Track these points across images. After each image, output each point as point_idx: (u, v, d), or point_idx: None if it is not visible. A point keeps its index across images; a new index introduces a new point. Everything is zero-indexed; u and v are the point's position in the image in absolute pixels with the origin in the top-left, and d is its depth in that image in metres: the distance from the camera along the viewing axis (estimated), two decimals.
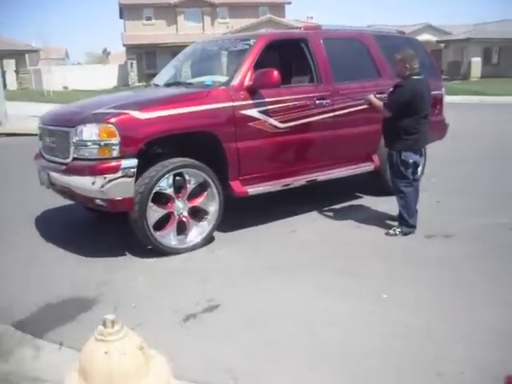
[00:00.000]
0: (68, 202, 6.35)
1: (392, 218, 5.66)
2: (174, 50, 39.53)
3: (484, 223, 5.52)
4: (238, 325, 3.60)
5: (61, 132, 5.05)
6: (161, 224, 4.93)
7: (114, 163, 4.57)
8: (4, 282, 4.48)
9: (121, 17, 44.87)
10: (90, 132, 4.65)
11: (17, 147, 12.05)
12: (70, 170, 4.80)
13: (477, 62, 35.96)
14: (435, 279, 4.21)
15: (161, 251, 4.92)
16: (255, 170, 5.47)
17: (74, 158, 4.79)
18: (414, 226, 5.28)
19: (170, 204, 4.95)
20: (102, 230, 5.98)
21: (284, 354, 3.19)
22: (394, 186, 5.34)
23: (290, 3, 44.93)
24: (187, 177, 4.98)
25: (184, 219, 5.03)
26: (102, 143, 4.58)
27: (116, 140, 4.55)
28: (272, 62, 5.90)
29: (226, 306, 3.90)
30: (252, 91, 5.30)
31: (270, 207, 6.24)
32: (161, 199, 4.90)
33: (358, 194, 6.86)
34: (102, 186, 4.55)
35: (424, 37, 36.65)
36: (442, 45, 38.47)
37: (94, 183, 4.57)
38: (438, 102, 6.73)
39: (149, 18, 42.24)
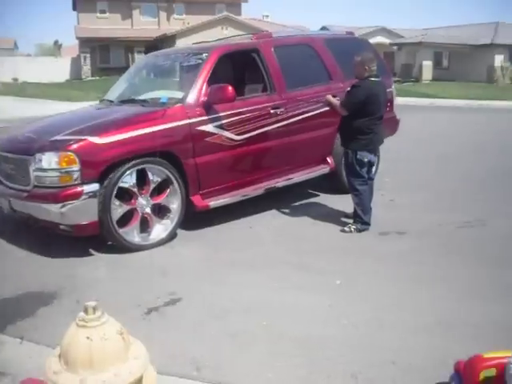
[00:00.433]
0: None
1: (347, 216, 5.83)
2: (128, 44, 39.17)
3: (435, 220, 5.75)
4: (200, 318, 3.69)
5: (19, 160, 5.02)
6: (124, 221, 4.95)
7: (75, 189, 4.62)
8: None
9: (74, 8, 43.84)
10: (49, 160, 4.67)
11: None
12: (32, 198, 4.80)
13: (428, 65, 36.90)
14: (389, 273, 4.40)
15: (124, 247, 4.95)
16: (215, 184, 5.54)
17: (35, 186, 4.78)
18: (368, 223, 5.46)
19: (133, 200, 4.97)
20: None
21: (246, 345, 3.30)
22: (350, 184, 5.52)
23: (246, 1, 45.03)
24: (150, 173, 5.01)
25: (147, 216, 5.07)
26: (63, 171, 4.62)
27: (76, 167, 4.59)
28: (225, 74, 6.02)
29: (188, 299, 3.98)
30: (207, 107, 5.38)
31: (229, 206, 6.32)
32: (124, 196, 4.92)
33: (314, 192, 7.02)
34: (66, 213, 4.61)
35: (378, 39, 37.42)
36: (395, 47, 39.29)
37: (57, 210, 4.61)
38: (388, 99, 6.93)
39: (103, 11, 41.46)
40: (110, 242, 5.01)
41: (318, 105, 6.03)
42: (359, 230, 5.41)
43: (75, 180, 4.61)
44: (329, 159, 6.60)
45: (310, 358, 3.13)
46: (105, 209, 4.74)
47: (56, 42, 60.93)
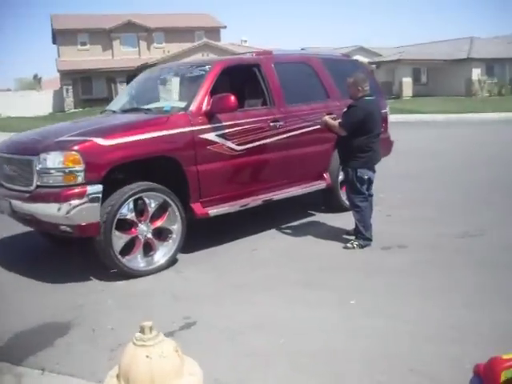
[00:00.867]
0: (21, 230, 6.37)
1: (347, 233, 5.95)
2: (109, 75, 39.40)
3: (434, 233, 5.89)
4: (216, 340, 3.73)
5: (22, 160, 5.07)
6: (127, 248, 5.01)
7: (79, 189, 4.63)
8: None
9: (54, 42, 44.17)
10: (54, 160, 4.70)
11: None
12: (34, 198, 4.81)
13: (407, 81, 37.60)
14: (396, 286, 4.49)
15: (129, 275, 4.99)
16: (215, 192, 5.62)
17: (38, 186, 4.81)
18: (370, 239, 5.57)
19: (133, 229, 5.03)
20: (62, 256, 5.99)
21: (265, 364, 3.35)
22: (350, 201, 5.65)
23: (225, 27, 45.62)
24: (147, 200, 5.07)
25: (149, 241, 5.13)
26: (67, 170, 4.64)
27: (81, 167, 4.62)
28: (227, 86, 6.14)
29: (202, 322, 4.02)
30: (210, 116, 5.49)
31: (228, 227, 6.41)
32: (124, 225, 4.97)
33: (311, 212, 7.13)
34: (68, 212, 4.60)
35: (357, 58, 37.99)
36: (374, 66, 39.93)
37: (59, 210, 4.62)
38: (383, 120, 7.12)
39: (83, 44, 41.83)
40: (113, 270, 5.05)
41: (315, 121, 6.15)
42: (362, 246, 5.51)
43: (79, 180, 4.64)
44: (325, 175, 6.74)
45: (331, 372, 3.20)
46: (107, 242, 4.79)
47: (35, 76, 60.95)
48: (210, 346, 3.64)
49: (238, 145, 5.71)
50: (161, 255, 5.19)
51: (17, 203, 5.02)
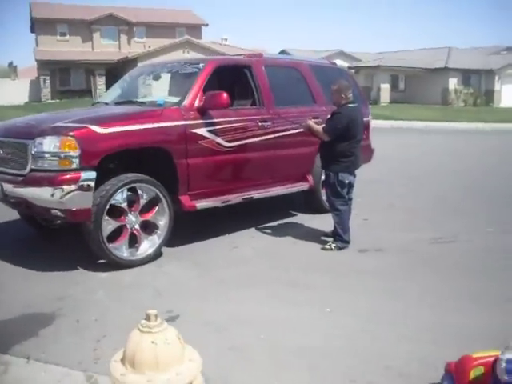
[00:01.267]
0: (8, 217, 6.39)
1: (326, 234, 6.12)
2: (89, 67, 39.05)
3: (409, 237, 6.12)
4: (201, 333, 3.84)
5: (17, 144, 5.12)
6: (113, 237, 5.09)
7: (73, 175, 4.70)
8: None
9: (32, 31, 43.59)
10: (50, 144, 4.76)
11: None
12: (28, 181, 4.86)
13: (385, 88, 38.12)
14: (371, 288, 4.67)
15: (113, 263, 5.09)
16: (202, 186, 5.75)
17: (32, 170, 4.86)
18: (348, 242, 5.75)
19: (123, 217, 5.12)
20: (48, 246, 6.03)
21: (248, 358, 3.48)
22: (331, 204, 5.82)
23: (207, 25, 45.59)
24: (140, 191, 5.18)
25: (135, 232, 5.22)
26: (62, 155, 4.71)
27: (76, 152, 4.69)
28: (219, 85, 6.27)
29: (185, 316, 4.12)
30: (202, 111, 5.62)
31: (210, 224, 6.53)
32: (114, 212, 5.06)
33: (292, 212, 7.30)
34: (61, 197, 4.66)
35: (337, 62, 38.32)
36: (353, 71, 40.34)
37: (53, 194, 4.67)
38: (365, 127, 7.30)
39: (63, 34, 41.32)
40: (99, 261, 5.13)
41: (302, 124, 6.30)
42: (339, 248, 5.68)
43: (74, 165, 4.70)
44: (308, 177, 6.92)
45: (310, 367, 3.34)
46: (96, 225, 4.87)
47: (10, 64, 59.98)
48: (194, 340, 3.70)
49: (228, 141, 5.85)
50: (145, 248, 5.29)
51: (9, 187, 5.06)
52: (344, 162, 5.58)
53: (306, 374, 3.28)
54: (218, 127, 5.74)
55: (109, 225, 5.00)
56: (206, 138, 5.64)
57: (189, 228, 6.28)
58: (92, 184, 4.77)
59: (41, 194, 4.78)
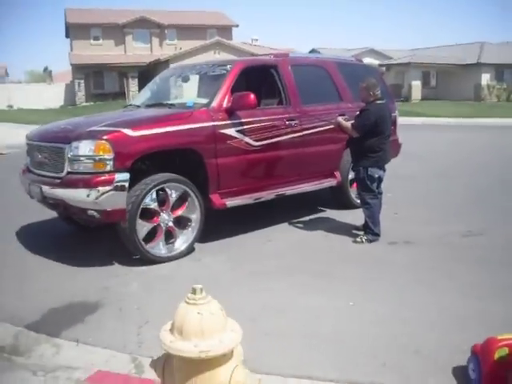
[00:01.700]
0: (47, 216, 6.71)
1: (356, 228, 6.27)
2: (121, 70, 39.74)
3: (438, 231, 6.22)
4: (237, 320, 4.03)
5: (54, 148, 5.39)
6: (150, 235, 5.33)
7: (108, 177, 4.95)
8: (8, 292, 4.77)
9: (67, 36, 44.58)
10: (85, 148, 5.02)
11: None
12: (65, 183, 5.13)
13: (417, 85, 37.86)
14: (402, 278, 4.81)
15: (151, 261, 5.32)
16: (232, 184, 5.95)
17: (69, 172, 5.13)
18: (378, 235, 5.89)
19: (156, 218, 5.35)
20: (86, 242, 6.33)
21: (281, 342, 3.67)
22: (361, 198, 5.97)
23: (237, 26, 45.92)
24: (168, 190, 5.39)
25: (170, 229, 5.45)
26: (97, 158, 4.96)
27: (110, 155, 4.95)
28: (246, 85, 6.47)
29: (222, 304, 4.30)
30: (230, 112, 5.81)
31: (242, 220, 6.74)
32: (147, 214, 5.29)
33: (321, 208, 7.46)
34: (97, 198, 4.91)
35: (367, 60, 38.15)
36: (384, 68, 40.19)
37: (88, 195, 4.93)
38: (392, 123, 7.41)
39: (97, 38, 42.19)
40: (136, 256, 5.39)
41: (329, 121, 6.47)
42: (370, 241, 5.83)
43: (108, 168, 4.95)
44: (336, 173, 7.07)
45: (341, 351, 3.51)
46: (131, 229, 5.12)
47: (46, 69, 61.37)
48: None
49: (256, 141, 6.02)
50: (181, 242, 5.52)
51: (47, 189, 5.33)
52: (373, 158, 5.73)
53: (337, 356, 3.45)
54: (245, 127, 5.92)
55: (143, 227, 5.23)
56: (235, 137, 5.83)
57: (223, 225, 6.50)
58: (126, 185, 5.01)
59: (77, 196, 5.03)
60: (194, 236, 5.60)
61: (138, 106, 6.88)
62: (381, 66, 40.31)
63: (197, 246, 5.71)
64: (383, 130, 5.73)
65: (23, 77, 70.50)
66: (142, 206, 5.16)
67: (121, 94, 37.71)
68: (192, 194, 5.50)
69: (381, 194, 6.03)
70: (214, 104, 5.81)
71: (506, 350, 2.90)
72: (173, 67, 7.85)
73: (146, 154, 5.23)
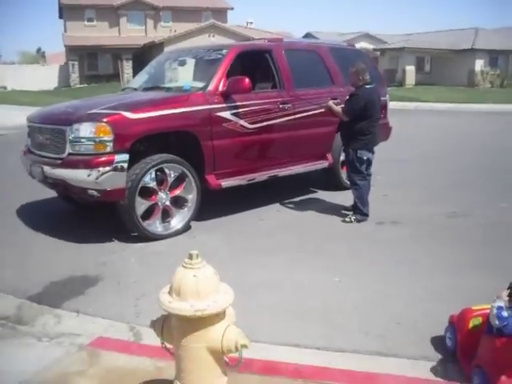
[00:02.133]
0: (46, 195, 6.90)
1: (346, 209, 6.49)
2: (116, 52, 39.56)
3: (425, 211, 6.46)
4: None
5: (55, 130, 5.55)
6: (147, 214, 5.53)
7: (108, 157, 5.14)
8: (9, 266, 4.95)
9: (60, 16, 44.28)
10: (86, 130, 5.19)
11: None
12: (66, 164, 5.31)
13: (411, 70, 37.93)
14: (387, 255, 5.04)
15: (147, 238, 5.52)
16: (227, 166, 6.14)
17: (70, 153, 5.31)
18: (366, 215, 6.11)
19: (154, 196, 5.54)
20: (84, 221, 6.53)
21: (273, 314, 3.88)
22: (350, 179, 6.19)
23: (232, 9, 45.74)
24: (167, 171, 5.58)
25: (167, 208, 5.65)
26: (98, 140, 5.14)
27: (110, 137, 5.13)
28: (241, 69, 6.63)
29: None
30: (225, 96, 5.98)
31: (236, 200, 6.94)
32: (145, 192, 5.48)
33: (313, 189, 7.68)
34: (97, 178, 5.10)
35: (361, 45, 38.31)
36: (378, 53, 40.24)
37: (89, 175, 5.11)
38: (383, 107, 7.59)
39: (91, 20, 41.93)
40: (133, 233, 5.58)
41: (321, 105, 6.64)
42: (359, 221, 6.05)
43: (108, 149, 5.14)
44: (328, 155, 7.27)
45: (328, 321, 3.74)
46: (130, 206, 5.32)
47: (39, 50, 61.03)
48: None
49: (250, 123, 6.21)
50: (177, 221, 5.72)
51: (48, 169, 5.51)
52: (362, 140, 5.93)
53: (324, 326, 3.67)
54: (240, 110, 6.10)
55: (141, 205, 5.43)
56: (230, 120, 6.00)
57: (218, 204, 6.68)
58: (125, 165, 5.21)
59: (78, 176, 5.22)
60: (190, 215, 5.79)
61: (136, 89, 7.03)
62: (375, 50, 40.41)
63: (192, 224, 5.90)
64: (372, 113, 5.91)
65: (16, 58, 70.03)
66: (141, 185, 5.35)
67: (115, 76, 37.62)
68: (189, 174, 5.69)
69: (370, 175, 6.23)
70: (210, 88, 5.97)
71: (479, 320, 3.12)
72: (169, 51, 7.98)
73: (144, 136, 5.41)
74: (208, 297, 2.04)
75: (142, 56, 38.32)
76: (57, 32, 43.36)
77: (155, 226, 5.58)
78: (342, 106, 6.08)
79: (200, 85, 6.17)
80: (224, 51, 6.44)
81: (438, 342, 3.41)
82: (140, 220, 5.42)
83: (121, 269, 4.86)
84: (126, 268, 4.88)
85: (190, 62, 7.27)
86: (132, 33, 41.89)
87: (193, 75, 7.15)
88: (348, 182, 6.68)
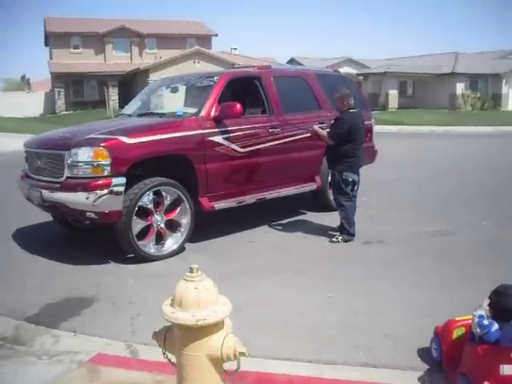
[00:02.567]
0: (41, 220, 7.00)
1: (333, 230, 6.67)
2: (101, 78, 39.82)
3: (410, 231, 6.67)
4: None
5: (54, 154, 5.72)
6: (141, 235, 5.67)
7: (105, 181, 5.30)
8: (7, 288, 5.05)
9: (46, 44, 44.55)
10: (84, 154, 5.37)
11: None
12: (65, 187, 5.46)
13: (393, 93, 38.58)
14: (375, 273, 5.20)
15: (141, 258, 5.66)
16: (219, 188, 6.33)
17: (68, 177, 5.47)
18: (353, 235, 6.29)
19: (149, 217, 5.70)
20: (80, 243, 6.65)
21: (262, 330, 4.01)
22: (337, 200, 6.38)
23: (216, 35, 46.35)
24: (164, 193, 5.76)
25: (161, 230, 5.80)
26: (95, 164, 5.31)
27: (108, 161, 5.30)
28: (231, 95, 6.85)
29: None
30: (217, 121, 6.20)
31: (228, 223, 7.09)
32: (142, 213, 5.64)
33: (302, 211, 7.87)
34: (95, 201, 5.26)
35: (345, 69, 39.01)
36: (361, 78, 40.90)
37: (87, 198, 5.27)
38: (368, 130, 7.82)
39: (76, 47, 42.20)
40: (128, 255, 5.71)
41: (309, 129, 6.82)
42: (345, 241, 6.23)
43: (105, 173, 5.31)
44: (316, 178, 7.48)
45: (318, 337, 3.88)
46: (127, 225, 5.46)
47: (23, 77, 61.08)
48: None
49: (241, 147, 6.42)
50: (170, 244, 5.87)
51: (47, 192, 5.65)
52: (348, 162, 6.14)
53: (313, 342, 3.81)
54: (232, 135, 6.31)
55: (137, 224, 5.58)
56: (222, 144, 6.21)
57: (208, 227, 6.83)
58: (122, 189, 5.37)
59: (77, 199, 5.37)
60: (183, 239, 5.96)
61: (130, 115, 7.24)
62: (358, 75, 41.05)
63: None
64: (356, 136, 6.14)
65: (0, 85, 70.00)
66: (139, 204, 5.52)
67: (101, 103, 37.80)
68: (185, 199, 5.87)
69: (355, 197, 6.42)
70: (203, 113, 6.18)
71: (462, 330, 3.29)
72: (161, 79, 8.21)
73: (140, 160, 5.58)
74: (208, 307, 2.19)
75: (128, 83, 38.65)
76: (42, 59, 43.75)
77: (149, 246, 5.72)
78: (328, 130, 6.30)
79: (193, 110, 6.37)
80: (215, 78, 6.67)
81: (424, 353, 3.56)
82: (135, 239, 5.56)
83: (116, 290, 4.97)
84: (121, 289, 5.00)
85: (182, 89, 7.49)
86: (117, 60, 42.22)
87: (185, 101, 7.37)
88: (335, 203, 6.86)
